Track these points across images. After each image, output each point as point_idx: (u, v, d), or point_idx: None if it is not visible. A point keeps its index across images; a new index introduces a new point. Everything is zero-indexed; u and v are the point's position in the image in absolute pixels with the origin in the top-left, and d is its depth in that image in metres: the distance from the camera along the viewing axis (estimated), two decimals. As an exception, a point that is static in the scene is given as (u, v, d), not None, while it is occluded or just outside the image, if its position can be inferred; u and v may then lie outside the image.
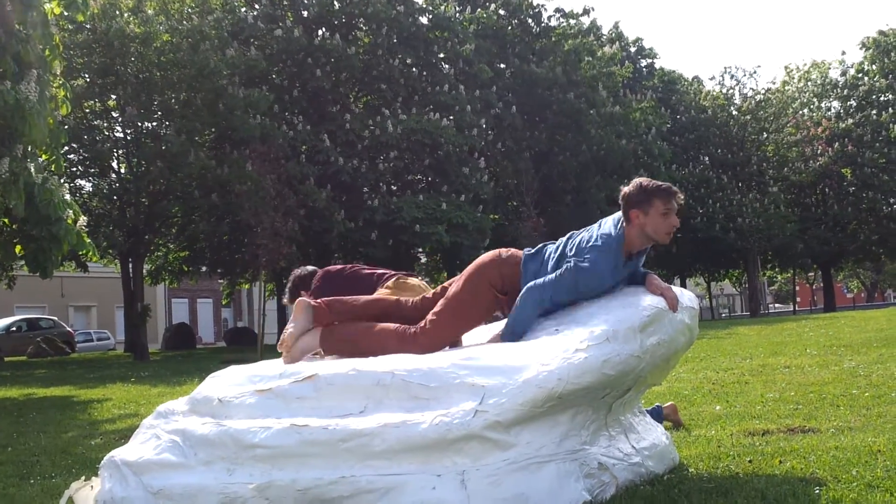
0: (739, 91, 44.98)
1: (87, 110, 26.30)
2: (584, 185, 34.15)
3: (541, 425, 3.83)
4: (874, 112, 43.56)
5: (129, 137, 26.85)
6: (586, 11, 39.69)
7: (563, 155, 33.77)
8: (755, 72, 68.02)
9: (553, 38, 34.66)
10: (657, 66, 47.49)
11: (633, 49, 46.25)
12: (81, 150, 26.67)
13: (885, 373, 8.35)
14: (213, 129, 26.65)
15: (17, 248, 13.38)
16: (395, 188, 30.38)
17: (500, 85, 33.36)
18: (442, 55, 32.42)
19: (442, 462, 3.77)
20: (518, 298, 4.38)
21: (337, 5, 29.95)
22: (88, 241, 13.06)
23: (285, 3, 30.44)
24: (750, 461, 4.65)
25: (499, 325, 4.74)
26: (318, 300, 4.72)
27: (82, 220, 13.26)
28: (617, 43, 42.89)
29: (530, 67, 33.16)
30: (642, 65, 46.43)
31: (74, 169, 27.17)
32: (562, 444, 3.87)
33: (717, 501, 3.78)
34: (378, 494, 3.77)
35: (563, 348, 3.95)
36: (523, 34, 35.03)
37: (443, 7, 31.69)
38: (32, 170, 11.89)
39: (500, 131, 33.17)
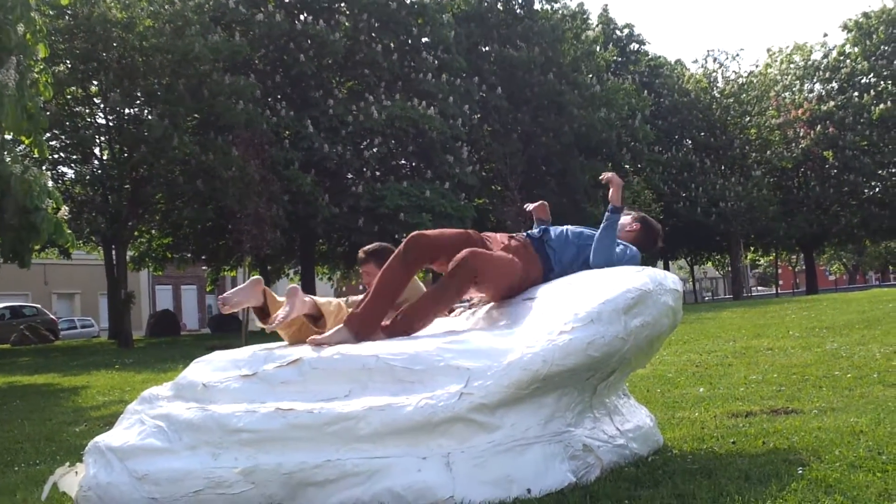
0: (722, 74, 45.08)
1: (69, 96, 26.10)
2: (569, 166, 34.19)
3: (526, 407, 3.84)
4: (856, 94, 43.72)
5: (111, 123, 26.69)
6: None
7: (546, 136, 33.79)
8: (738, 55, 68.11)
9: (538, 20, 34.59)
10: (645, 51, 47.48)
11: (622, 34, 46.22)
12: (63, 137, 26.47)
13: (866, 354, 8.41)
14: (196, 115, 26.50)
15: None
16: (379, 174, 30.34)
17: (484, 69, 33.31)
18: (424, 40, 32.31)
19: (427, 445, 3.77)
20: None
21: (318, -11, 29.81)
22: (68, 231, 12.98)
23: (266, -14, 30.26)
24: (733, 442, 4.68)
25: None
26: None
27: (64, 209, 13.18)
28: (600, 26, 42.88)
29: (510, 51, 33.11)
30: (630, 49, 46.39)
31: (57, 155, 26.97)
32: (547, 426, 3.88)
33: (701, 482, 3.80)
34: (363, 477, 3.78)
35: (548, 330, 3.96)
36: (507, 16, 34.95)
37: None
38: (9, 159, 11.79)
39: (485, 114, 33.16)
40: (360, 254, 5.26)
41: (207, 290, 49.35)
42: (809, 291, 44.13)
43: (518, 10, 35.20)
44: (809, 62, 46.75)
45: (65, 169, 28.36)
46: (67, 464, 4.50)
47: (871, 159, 42.51)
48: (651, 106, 40.22)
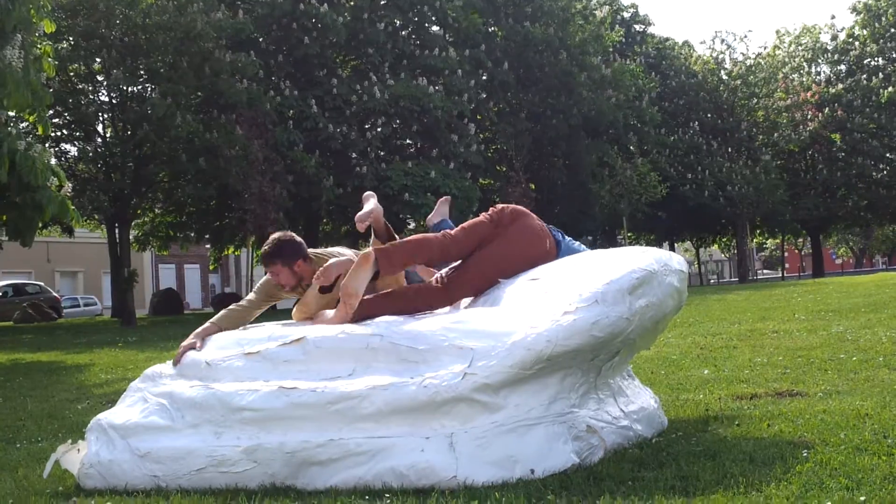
0: (730, 56, 44.84)
1: (72, 74, 26.03)
2: (574, 148, 34.06)
3: (530, 388, 3.82)
4: (864, 77, 43.51)
5: (114, 101, 26.64)
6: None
7: (555, 118, 33.66)
8: (746, 36, 67.93)
9: (546, 1, 34.34)
10: (651, 32, 47.20)
11: (627, 14, 45.98)
12: (66, 114, 26.43)
13: (872, 337, 8.39)
14: (198, 93, 26.42)
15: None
16: (383, 154, 30.24)
17: (492, 45, 33.13)
18: (433, 17, 32.12)
19: (430, 424, 3.76)
20: None
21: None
22: (73, 208, 12.96)
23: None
24: (738, 425, 4.67)
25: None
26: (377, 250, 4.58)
27: (67, 186, 13.17)
28: (608, 6, 42.63)
29: (524, 27, 32.90)
30: (636, 30, 46.13)
31: (59, 133, 26.94)
32: (551, 407, 3.86)
33: (705, 464, 3.79)
34: (366, 457, 3.77)
35: (552, 310, 3.94)
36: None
37: None
38: (14, 136, 11.77)
39: (491, 92, 33.02)
40: (262, 257, 4.88)
41: (211, 268, 49.42)
42: (816, 275, 44.05)
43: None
44: (818, 44, 46.51)
45: (67, 146, 28.36)
46: (70, 441, 4.50)
47: (880, 142, 42.36)
48: (658, 88, 40.02)
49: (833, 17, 50.55)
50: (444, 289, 4.67)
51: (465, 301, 4.79)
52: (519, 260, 4.66)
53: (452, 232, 4.78)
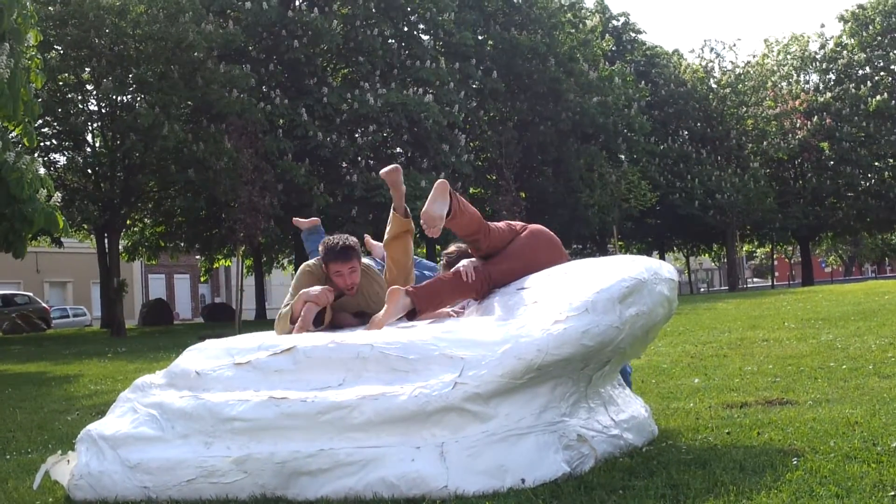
0: (719, 64, 44.99)
1: (61, 83, 25.95)
2: (563, 154, 34.13)
3: (520, 397, 3.82)
4: (853, 86, 43.68)
5: (103, 111, 26.57)
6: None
7: (543, 125, 33.72)
8: (735, 45, 68.11)
9: (535, 9, 34.45)
10: (641, 40, 47.31)
11: (618, 23, 46.10)
12: (55, 124, 26.35)
13: (862, 346, 8.40)
14: (189, 103, 26.37)
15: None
16: (373, 163, 30.24)
17: (482, 54, 33.21)
18: (422, 26, 32.19)
19: (421, 434, 3.76)
20: None
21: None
22: (62, 220, 12.90)
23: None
24: (728, 433, 4.67)
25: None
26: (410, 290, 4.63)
27: (56, 196, 13.13)
28: (598, 16, 42.75)
29: (511, 35, 32.98)
30: (626, 39, 46.24)
31: (48, 142, 26.86)
32: (541, 416, 3.86)
33: (696, 473, 3.79)
34: (357, 467, 3.76)
35: (543, 319, 3.94)
36: (505, 5, 34.79)
37: None
38: (1, 147, 11.73)
39: (482, 100, 33.07)
40: (344, 251, 4.86)
41: (201, 279, 49.27)
42: (805, 283, 44.10)
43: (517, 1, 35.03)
44: (806, 53, 46.71)
45: (57, 156, 28.26)
46: (59, 452, 4.48)
47: (868, 151, 42.48)
48: (647, 96, 40.13)
49: (822, 26, 50.76)
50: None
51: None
52: (543, 258, 4.73)
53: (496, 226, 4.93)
